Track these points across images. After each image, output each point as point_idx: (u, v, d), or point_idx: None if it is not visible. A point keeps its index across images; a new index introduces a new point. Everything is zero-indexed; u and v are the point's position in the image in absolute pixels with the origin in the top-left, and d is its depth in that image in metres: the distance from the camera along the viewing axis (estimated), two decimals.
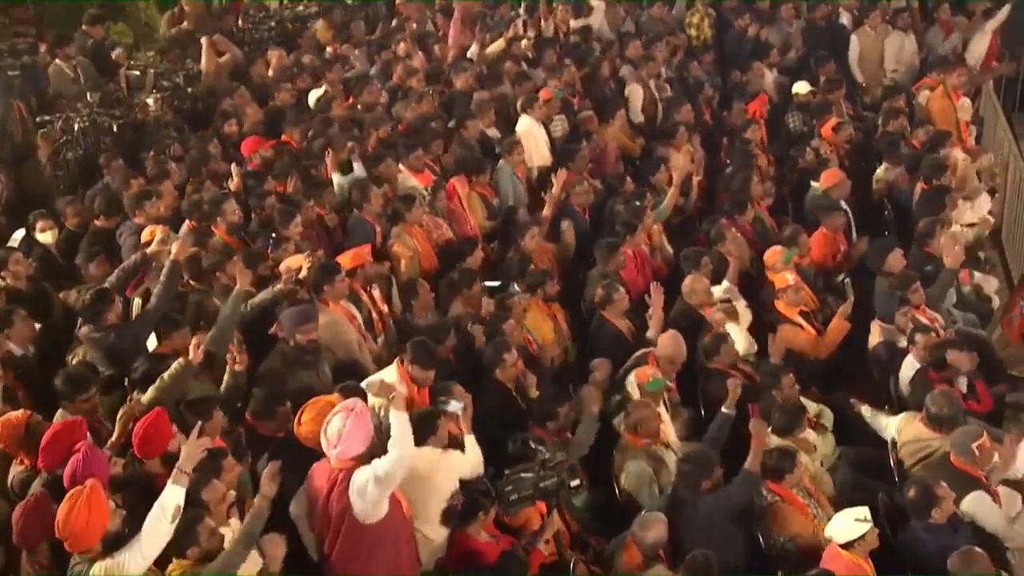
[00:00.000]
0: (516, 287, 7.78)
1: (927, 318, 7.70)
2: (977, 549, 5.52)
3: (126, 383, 6.20)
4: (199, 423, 5.29)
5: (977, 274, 9.06)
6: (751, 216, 9.17)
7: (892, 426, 6.86)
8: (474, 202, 8.95)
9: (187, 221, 7.83)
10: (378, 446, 5.44)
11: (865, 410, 7.10)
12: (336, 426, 5.32)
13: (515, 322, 7.28)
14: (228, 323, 6.52)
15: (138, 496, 5.22)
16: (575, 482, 5.99)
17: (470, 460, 5.99)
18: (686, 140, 10.10)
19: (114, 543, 4.88)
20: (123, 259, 7.48)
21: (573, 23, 13.00)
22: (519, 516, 6.00)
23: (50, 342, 6.94)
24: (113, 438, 5.74)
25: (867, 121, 11.35)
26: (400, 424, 5.38)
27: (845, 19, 13.13)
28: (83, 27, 11.44)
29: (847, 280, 8.76)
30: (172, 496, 4.90)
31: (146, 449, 5.49)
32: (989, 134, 11.66)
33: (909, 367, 7.26)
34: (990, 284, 9.13)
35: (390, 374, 6.45)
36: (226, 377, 6.24)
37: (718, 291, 8.08)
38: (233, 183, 8.55)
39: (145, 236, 7.40)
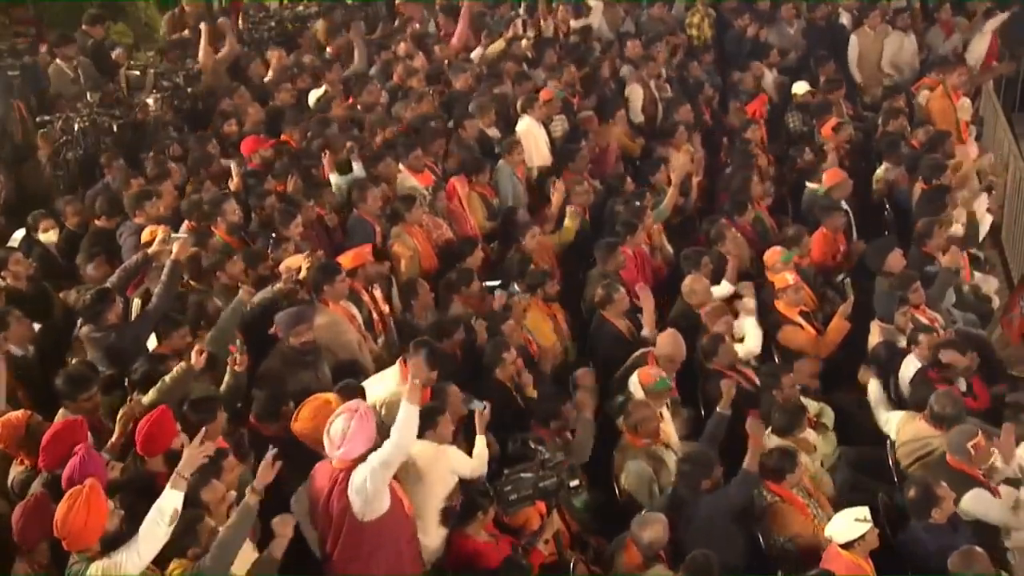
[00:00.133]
0: (516, 287, 7.79)
1: (927, 318, 7.71)
2: (977, 549, 5.52)
3: (126, 383, 6.20)
4: (203, 428, 5.29)
5: (977, 274, 9.07)
6: (751, 216, 9.18)
7: (892, 423, 6.87)
8: (474, 202, 8.95)
9: (187, 221, 7.84)
10: (379, 445, 5.43)
11: (872, 386, 7.09)
12: (339, 427, 5.30)
13: (515, 322, 7.28)
14: (228, 323, 6.54)
15: (137, 496, 5.21)
16: (575, 482, 6.01)
17: (472, 461, 5.97)
18: (685, 139, 10.11)
19: (112, 543, 4.87)
20: (123, 259, 7.47)
21: (573, 23, 12.99)
22: (519, 516, 6.01)
23: (50, 342, 6.94)
24: (113, 438, 5.74)
25: (867, 121, 11.35)
26: (408, 413, 5.33)
27: (845, 19, 13.13)
28: (83, 27, 11.44)
29: (847, 280, 8.77)
30: (170, 500, 4.89)
31: (149, 447, 5.48)
32: (989, 134, 11.67)
33: (909, 367, 7.26)
34: (990, 284, 9.14)
35: (392, 374, 6.46)
36: (227, 377, 6.24)
37: (718, 291, 8.09)
38: (233, 183, 8.55)
39: (145, 236, 7.40)
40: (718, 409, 6.72)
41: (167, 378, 5.96)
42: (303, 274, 6.97)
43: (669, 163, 9.59)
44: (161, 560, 4.94)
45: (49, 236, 8.12)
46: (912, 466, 6.60)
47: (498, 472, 5.93)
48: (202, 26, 10.95)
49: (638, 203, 8.75)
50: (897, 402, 7.30)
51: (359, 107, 10.36)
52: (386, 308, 7.56)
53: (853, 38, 12.54)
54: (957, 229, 8.87)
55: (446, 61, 11.55)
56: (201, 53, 10.83)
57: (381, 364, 6.88)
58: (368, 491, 5.24)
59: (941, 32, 12.81)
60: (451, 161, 9.52)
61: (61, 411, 5.84)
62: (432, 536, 5.80)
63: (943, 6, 13.07)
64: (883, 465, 6.84)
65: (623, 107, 11.00)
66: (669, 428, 6.89)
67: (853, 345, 7.84)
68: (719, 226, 8.66)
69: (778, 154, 10.75)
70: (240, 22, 12.57)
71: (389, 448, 5.25)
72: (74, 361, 6.50)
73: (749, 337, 7.79)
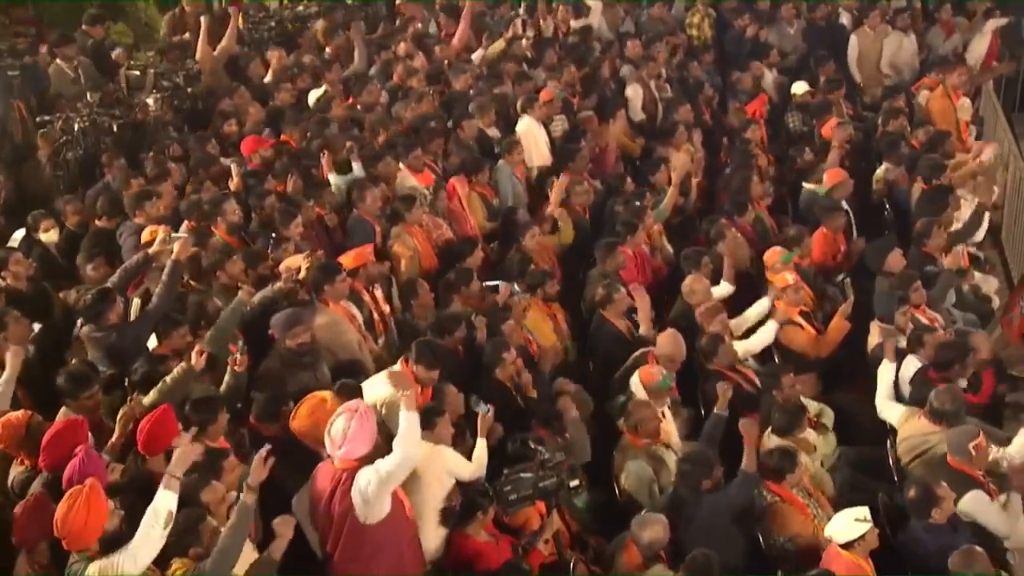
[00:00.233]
0: (516, 287, 7.79)
1: (927, 318, 7.71)
2: (977, 548, 5.52)
3: (126, 383, 6.20)
4: (193, 429, 5.27)
5: (977, 274, 9.06)
6: (751, 216, 9.17)
7: (894, 417, 6.86)
8: (474, 202, 8.95)
9: (187, 221, 7.84)
10: (380, 444, 5.43)
11: (883, 371, 7.08)
12: (340, 427, 5.30)
13: (515, 322, 7.28)
14: (228, 323, 6.54)
15: (137, 496, 5.21)
16: (575, 482, 6.01)
17: (470, 464, 5.97)
18: (685, 139, 10.11)
19: (112, 543, 4.87)
20: (123, 259, 7.47)
21: (573, 23, 12.99)
22: (519, 516, 6.01)
23: (50, 342, 6.94)
24: (113, 438, 5.74)
25: (867, 121, 11.35)
26: (409, 423, 5.33)
27: (845, 19, 13.13)
28: (83, 27, 11.43)
29: (847, 280, 8.77)
30: (164, 501, 4.84)
31: (151, 446, 5.48)
32: (989, 134, 11.66)
33: (909, 367, 7.26)
34: (990, 284, 9.13)
35: None
36: (227, 377, 6.25)
37: (718, 291, 8.09)
38: (233, 183, 8.55)
39: (145, 236, 7.40)
40: (715, 411, 6.72)
41: (167, 378, 5.97)
42: (303, 274, 6.97)
43: (669, 163, 9.59)
44: (162, 559, 4.94)
45: (49, 236, 8.11)
46: (912, 463, 6.60)
47: (498, 472, 5.93)
48: (202, 19, 10.95)
49: (638, 203, 8.75)
50: (897, 402, 7.30)
51: (359, 107, 10.36)
52: (386, 308, 7.56)
53: (853, 38, 12.54)
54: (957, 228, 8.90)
55: (446, 61, 11.55)
56: (199, 51, 10.83)
57: (381, 364, 6.87)
58: (371, 497, 5.25)
59: (941, 32, 12.82)
60: (451, 161, 9.53)
61: (63, 410, 5.84)
62: (431, 536, 5.80)
63: (943, 6, 13.07)
64: (883, 465, 6.84)
65: (623, 107, 11.00)
66: (670, 428, 6.88)
67: (853, 345, 7.85)
68: (719, 226, 8.66)
69: (778, 154, 10.75)
70: (240, 22, 12.56)
71: (396, 460, 5.24)
72: (75, 361, 6.50)
73: (757, 336, 7.79)
